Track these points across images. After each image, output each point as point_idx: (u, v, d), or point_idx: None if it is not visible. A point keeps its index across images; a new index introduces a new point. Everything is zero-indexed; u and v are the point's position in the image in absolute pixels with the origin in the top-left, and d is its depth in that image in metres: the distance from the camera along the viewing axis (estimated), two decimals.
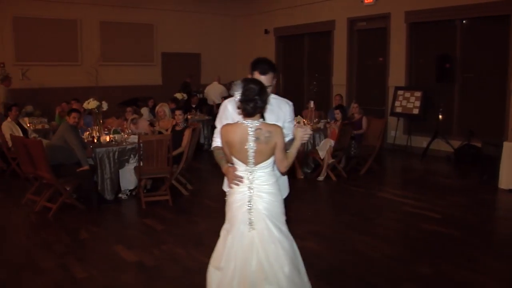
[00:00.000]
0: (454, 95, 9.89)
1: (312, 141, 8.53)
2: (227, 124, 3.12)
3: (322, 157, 8.04)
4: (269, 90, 3.16)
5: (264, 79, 3.15)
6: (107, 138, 7.31)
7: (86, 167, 6.47)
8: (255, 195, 3.05)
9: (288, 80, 14.41)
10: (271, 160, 3.07)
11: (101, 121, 7.62)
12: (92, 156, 6.92)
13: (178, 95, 11.78)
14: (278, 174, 3.26)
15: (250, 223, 3.03)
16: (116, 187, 7.10)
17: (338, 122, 8.17)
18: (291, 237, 3.15)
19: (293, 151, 3.07)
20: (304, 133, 3.04)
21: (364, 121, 8.77)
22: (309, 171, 8.50)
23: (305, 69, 13.72)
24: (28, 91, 12.14)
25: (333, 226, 5.76)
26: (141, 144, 6.52)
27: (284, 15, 13.70)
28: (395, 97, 10.52)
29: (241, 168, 3.07)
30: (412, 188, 7.60)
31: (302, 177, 8.19)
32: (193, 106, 12.34)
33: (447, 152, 9.67)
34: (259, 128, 2.99)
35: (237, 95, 2.96)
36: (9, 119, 8.72)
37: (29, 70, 12.50)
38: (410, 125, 10.51)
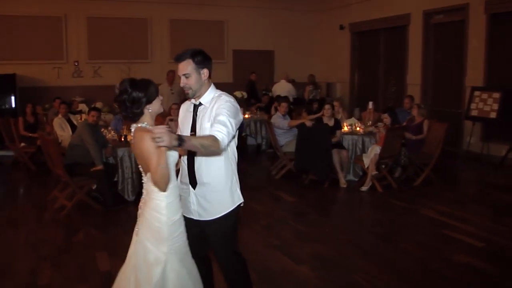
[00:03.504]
0: None
1: (360, 146, 7.70)
2: None
3: (366, 166, 7.18)
4: (191, 79, 2.84)
5: (180, 66, 2.87)
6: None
7: (99, 167, 6.27)
8: (142, 210, 2.78)
9: (363, 78, 13.43)
10: None
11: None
12: (111, 155, 6.73)
13: (238, 94, 11.39)
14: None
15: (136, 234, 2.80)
16: (138, 188, 6.82)
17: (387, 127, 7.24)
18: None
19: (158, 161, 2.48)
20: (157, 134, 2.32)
21: (426, 125, 7.71)
22: (356, 179, 7.67)
23: (380, 67, 12.67)
24: (99, 88, 12.44)
25: (342, 249, 4.93)
26: None
27: (360, 9, 12.77)
28: (471, 99, 9.24)
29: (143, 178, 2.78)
30: (467, 206, 6.51)
31: (345, 186, 7.38)
32: (263, 105, 11.90)
33: None
34: (135, 133, 2.66)
35: None
36: (60, 115, 8.87)
37: (101, 68, 12.81)
38: (487, 130, 9.17)
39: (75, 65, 12.73)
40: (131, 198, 6.71)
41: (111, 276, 4.21)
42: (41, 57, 12.30)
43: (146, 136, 2.51)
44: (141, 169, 2.76)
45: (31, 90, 12.05)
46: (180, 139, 2.40)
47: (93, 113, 6.64)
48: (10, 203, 7.04)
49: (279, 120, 8.17)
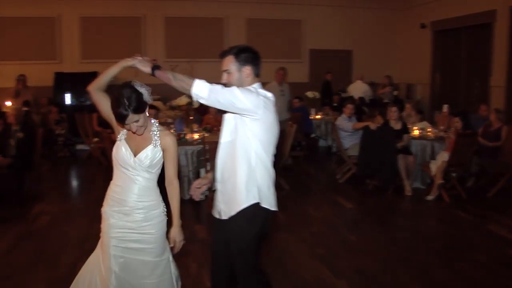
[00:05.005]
0: None
1: (430, 152, 7.20)
2: None
3: (433, 173, 6.69)
4: (232, 76, 2.81)
5: (223, 62, 2.84)
6: (195, 136, 7.09)
7: None
8: None
9: (446, 80, 12.61)
10: None
11: (191, 118, 7.43)
12: None
13: (309, 94, 11.17)
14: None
15: None
16: None
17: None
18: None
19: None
20: None
21: (504, 132, 7.06)
22: (423, 187, 7.18)
23: (461, 68, 11.81)
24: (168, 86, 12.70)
25: (389, 264, 4.56)
26: (207, 147, 6.14)
27: (442, 7, 11.97)
28: None
29: None
30: None
31: (410, 194, 6.92)
32: (335, 105, 11.58)
33: None
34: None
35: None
36: None
37: (178, 67, 13.06)
38: None
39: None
40: (187, 196, 6.71)
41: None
42: (121, 56, 12.64)
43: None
44: None
45: (112, 88, 12.57)
46: (155, 66, 2.71)
47: (149, 111, 6.70)
48: (75, 196, 7.32)
49: (343, 122, 7.85)
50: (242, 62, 2.79)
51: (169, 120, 10.06)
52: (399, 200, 6.81)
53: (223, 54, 2.84)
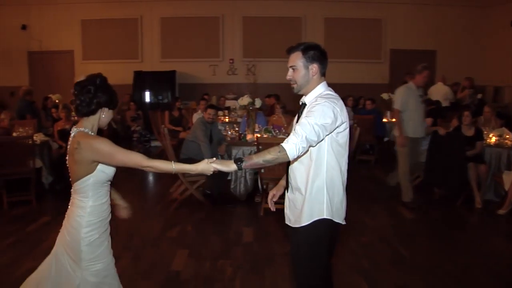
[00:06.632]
0: None
1: (505, 162, 6.58)
2: None
3: (505, 185, 6.10)
4: (298, 73, 2.70)
5: (289, 58, 2.76)
6: (255, 137, 7.00)
7: None
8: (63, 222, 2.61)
9: None
10: (84, 182, 2.47)
11: (254, 118, 7.35)
12: (225, 153, 6.74)
13: (384, 96, 10.71)
14: None
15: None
16: (251, 188, 6.76)
17: None
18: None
19: (183, 167, 2.58)
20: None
21: None
22: (497, 199, 6.57)
23: None
24: (251, 85, 12.72)
25: (436, 285, 4.18)
26: (260, 147, 6.01)
27: None
28: None
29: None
30: None
31: (480, 206, 6.37)
32: None
33: None
34: (74, 137, 2.48)
35: None
36: (199, 111, 9.25)
37: (255, 66, 13.08)
38: None
39: (230, 63, 13.25)
40: (242, 197, 6.67)
41: (178, 276, 4.21)
42: (199, 55, 13.04)
43: (94, 142, 2.43)
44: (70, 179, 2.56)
45: (189, 87, 12.91)
46: (237, 162, 2.45)
47: (209, 110, 6.72)
48: (137, 191, 7.49)
49: None
50: (310, 59, 2.69)
51: (239, 120, 10.09)
52: (466, 213, 6.29)
53: (290, 50, 2.75)
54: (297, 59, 2.69)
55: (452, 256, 4.82)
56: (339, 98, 2.71)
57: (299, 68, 2.69)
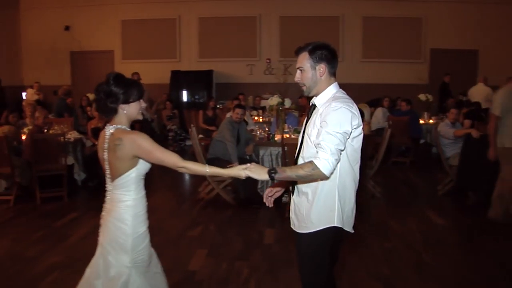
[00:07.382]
0: None
1: None
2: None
3: None
4: (305, 74, 2.63)
5: (297, 59, 2.68)
6: (283, 137, 6.98)
7: (234, 164, 6.32)
8: (104, 219, 2.65)
9: None
10: (128, 177, 2.53)
11: (284, 118, 7.33)
12: (252, 153, 6.75)
13: (421, 97, 10.47)
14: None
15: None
16: None
17: None
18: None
19: (216, 171, 2.62)
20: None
21: None
22: None
23: None
24: (289, 85, 12.67)
25: None
26: (285, 148, 5.98)
27: None
28: None
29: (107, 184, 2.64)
30: None
31: None
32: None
33: None
34: (112, 134, 2.51)
35: None
36: (231, 111, 9.29)
37: (292, 66, 13.01)
38: None
39: (267, 62, 13.26)
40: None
41: (193, 276, 4.24)
42: (236, 55, 13.11)
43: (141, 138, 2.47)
44: (108, 176, 2.61)
45: (226, 86, 12.99)
46: (272, 172, 2.41)
47: (237, 110, 6.74)
48: (167, 189, 7.59)
49: (445, 128, 7.18)
50: (317, 59, 2.62)
51: (272, 120, 10.09)
52: (478, 222, 6.02)
53: (298, 51, 2.68)
54: (304, 60, 2.63)
55: (481, 268, 4.61)
56: (352, 100, 2.63)
57: (307, 69, 2.63)
